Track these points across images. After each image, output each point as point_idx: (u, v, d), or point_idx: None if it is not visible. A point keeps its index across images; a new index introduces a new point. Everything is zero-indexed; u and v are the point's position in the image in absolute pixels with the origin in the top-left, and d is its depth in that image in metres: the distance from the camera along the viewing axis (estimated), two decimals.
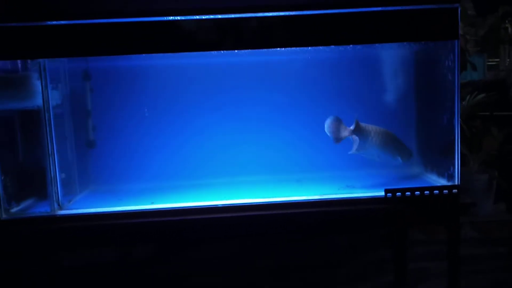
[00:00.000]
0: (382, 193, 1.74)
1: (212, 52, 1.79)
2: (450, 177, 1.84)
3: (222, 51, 1.77)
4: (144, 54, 1.80)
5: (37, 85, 1.68)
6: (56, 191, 1.72)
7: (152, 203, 1.76)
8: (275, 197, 1.76)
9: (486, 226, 2.70)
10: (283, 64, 2.10)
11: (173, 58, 2.04)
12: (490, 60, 4.42)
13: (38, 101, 1.69)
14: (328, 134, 1.91)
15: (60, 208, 1.73)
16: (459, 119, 1.79)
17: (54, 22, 1.65)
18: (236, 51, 1.78)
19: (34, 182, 1.77)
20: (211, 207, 1.72)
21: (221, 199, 1.75)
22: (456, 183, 1.79)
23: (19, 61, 1.79)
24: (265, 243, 2.26)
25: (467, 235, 2.62)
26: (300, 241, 2.32)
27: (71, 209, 1.73)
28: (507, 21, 3.76)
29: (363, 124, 1.93)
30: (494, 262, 2.49)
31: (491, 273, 2.42)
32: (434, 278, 2.39)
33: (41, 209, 1.71)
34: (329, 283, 2.36)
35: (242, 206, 1.73)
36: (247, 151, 2.12)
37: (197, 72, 2.10)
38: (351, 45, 1.85)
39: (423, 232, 2.57)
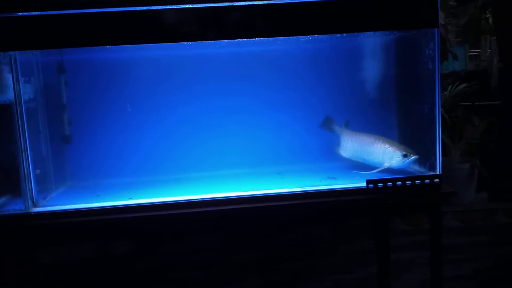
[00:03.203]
0: (364, 184, 1.72)
1: (191, 43, 1.75)
2: (432, 167, 1.83)
3: (200, 42, 1.74)
4: (121, 46, 1.74)
5: (8, 78, 1.62)
6: (30, 188, 1.67)
7: (131, 198, 1.72)
8: (256, 190, 1.73)
9: (468, 215, 2.72)
10: (262, 55, 2.06)
11: (151, 50, 2.00)
12: (472, 50, 4.45)
13: (10, 95, 1.63)
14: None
15: (35, 206, 1.68)
16: (439, 108, 1.78)
17: (26, 13, 1.59)
18: (215, 42, 1.74)
19: (7, 179, 1.72)
20: (191, 202, 1.69)
21: (201, 193, 1.71)
22: (438, 172, 1.78)
23: None
24: (247, 236, 2.24)
25: (449, 224, 2.64)
26: (282, 233, 2.31)
27: (46, 206, 1.68)
28: (487, 12, 3.77)
29: (341, 128, 2.00)
30: (476, 250, 2.51)
31: (472, 261, 2.44)
32: (417, 267, 2.40)
33: (15, 206, 1.66)
34: (312, 274, 2.35)
35: (222, 200, 1.70)
36: (227, 144, 2.08)
37: (176, 64, 2.06)
38: (328, 35, 1.84)
39: (406, 222, 2.57)
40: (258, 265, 2.26)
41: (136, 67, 2.04)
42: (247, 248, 2.24)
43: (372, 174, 1.89)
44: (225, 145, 2.08)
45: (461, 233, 2.60)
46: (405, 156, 1.87)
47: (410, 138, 2.06)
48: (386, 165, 1.90)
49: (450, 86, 3.12)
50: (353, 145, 1.97)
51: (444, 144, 2.83)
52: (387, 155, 1.90)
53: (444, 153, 3.08)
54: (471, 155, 2.95)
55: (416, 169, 1.95)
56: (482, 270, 2.38)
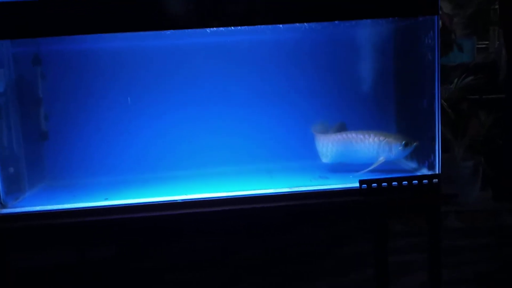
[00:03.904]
0: (357, 184, 1.60)
1: (176, 32, 1.63)
2: (431, 165, 1.70)
3: (184, 32, 1.63)
4: (102, 35, 1.63)
5: None
6: None
7: (106, 199, 1.61)
8: (241, 190, 1.62)
9: (471, 215, 2.59)
10: (250, 45, 1.94)
11: (133, 40, 1.88)
12: (480, 42, 4.31)
13: None
14: None
15: (4, 207, 1.57)
16: (439, 102, 1.65)
17: None
18: (199, 31, 1.62)
19: None
20: (169, 203, 1.57)
21: (184, 194, 1.60)
22: (437, 172, 1.66)
23: None
24: (235, 238, 2.13)
25: (451, 225, 2.51)
26: (273, 234, 2.20)
27: (16, 207, 1.57)
28: (496, 2, 3.63)
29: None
30: (479, 253, 2.38)
31: (476, 264, 2.31)
32: (417, 270, 2.29)
33: None
34: (306, 277, 2.24)
35: (204, 201, 1.58)
36: (214, 140, 1.96)
37: (159, 55, 1.94)
38: (321, 25, 1.72)
39: (404, 223, 2.45)
40: (249, 268, 2.16)
41: (118, 59, 1.92)
42: (237, 250, 2.13)
43: (366, 174, 1.76)
44: (211, 141, 1.96)
45: (464, 235, 2.48)
46: (406, 145, 1.75)
47: (407, 134, 1.93)
48: (382, 159, 1.77)
49: (457, 79, 2.98)
50: (336, 147, 1.83)
51: (447, 141, 2.70)
52: (384, 148, 1.77)
53: (447, 150, 2.95)
54: (475, 152, 2.82)
55: (414, 167, 1.83)
56: (485, 273, 2.26)
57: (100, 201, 1.59)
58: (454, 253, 2.36)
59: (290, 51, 1.98)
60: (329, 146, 1.83)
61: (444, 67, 3.11)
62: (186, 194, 1.59)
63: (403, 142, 1.74)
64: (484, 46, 4.32)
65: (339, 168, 1.85)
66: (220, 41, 1.92)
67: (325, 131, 1.88)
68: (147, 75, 1.92)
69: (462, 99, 2.99)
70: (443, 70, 2.67)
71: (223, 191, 1.61)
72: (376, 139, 1.77)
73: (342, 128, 1.87)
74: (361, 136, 1.79)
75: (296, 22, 1.63)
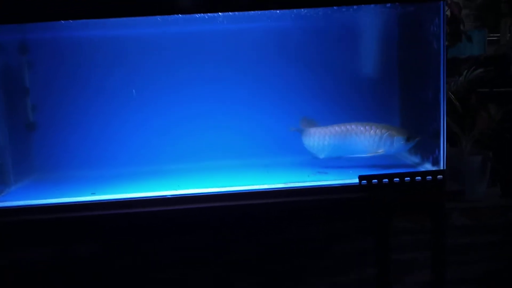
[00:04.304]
0: (356, 180, 1.51)
1: (170, 20, 1.60)
2: (435, 161, 1.61)
3: (181, 19, 1.58)
4: (92, 22, 1.59)
5: None
6: None
7: (93, 193, 1.53)
8: (236, 186, 1.54)
9: (478, 212, 2.50)
10: (246, 34, 1.85)
11: (126, 28, 1.80)
12: (491, 35, 4.20)
13: None
14: None
15: None
16: (445, 93, 1.55)
17: None
18: (194, 21, 1.54)
19: None
20: (161, 198, 1.50)
21: (174, 189, 1.52)
22: (442, 168, 1.57)
23: None
24: (229, 236, 2.05)
25: (457, 222, 2.42)
26: (267, 233, 2.12)
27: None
28: None
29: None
30: (486, 251, 2.29)
31: (482, 263, 2.22)
32: (421, 269, 2.20)
33: None
34: (304, 276, 2.16)
35: (195, 197, 1.51)
36: (209, 134, 1.89)
37: (153, 44, 1.86)
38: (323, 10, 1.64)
39: (407, 220, 2.36)
40: (243, 267, 2.08)
41: (109, 48, 1.84)
42: (231, 248, 2.06)
43: (366, 169, 1.68)
44: (206, 135, 1.89)
45: (470, 232, 2.38)
46: (408, 139, 1.67)
47: (411, 127, 1.84)
48: (381, 151, 1.68)
49: (466, 71, 2.87)
50: (334, 141, 1.74)
51: (454, 134, 2.59)
52: (386, 142, 1.68)
53: (454, 144, 2.85)
54: (484, 147, 2.71)
55: (416, 162, 1.75)
56: (492, 272, 2.16)
57: (87, 195, 1.51)
58: (460, 251, 2.26)
59: (288, 41, 1.88)
60: (326, 139, 1.74)
61: (453, 59, 3.00)
62: (176, 189, 1.52)
63: (406, 136, 1.65)
64: (495, 38, 4.21)
65: (336, 162, 1.77)
66: (215, 32, 1.84)
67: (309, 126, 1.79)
68: (138, 66, 1.84)
69: (470, 92, 2.88)
70: (452, 62, 2.56)
71: (216, 186, 1.53)
72: (378, 131, 1.68)
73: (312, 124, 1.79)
74: (362, 128, 1.70)
75: (300, 7, 1.54)
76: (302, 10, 1.67)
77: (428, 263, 2.01)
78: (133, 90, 1.85)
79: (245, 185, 1.54)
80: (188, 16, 1.58)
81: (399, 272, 2.15)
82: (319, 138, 1.75)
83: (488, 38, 4.02)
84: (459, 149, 2.72)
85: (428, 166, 1.68)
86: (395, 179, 1.52)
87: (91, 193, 1.53)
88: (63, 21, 1.61)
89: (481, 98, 2.87)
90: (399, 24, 1.90)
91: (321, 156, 1.76)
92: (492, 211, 2.49)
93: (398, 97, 1.98)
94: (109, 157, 1.85)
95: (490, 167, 2.65)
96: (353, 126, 1.71)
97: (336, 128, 1.73)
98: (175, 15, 1.55)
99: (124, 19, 1.51)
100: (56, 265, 1.75)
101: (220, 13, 1.59)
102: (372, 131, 1.68)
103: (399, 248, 2.27)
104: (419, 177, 1.53)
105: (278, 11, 1.66)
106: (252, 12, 1.58)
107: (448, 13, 2.27)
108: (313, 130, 1.78)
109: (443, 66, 1.53)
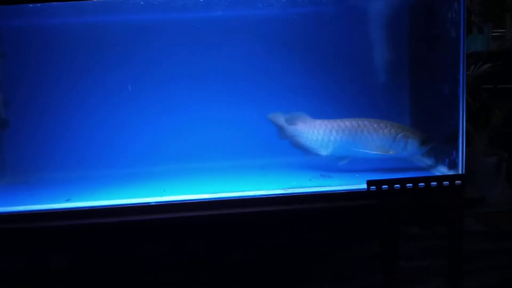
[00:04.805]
0: (364, 186, 1.34)
1: (156, 5, 1.50)
2: (453, 164, 1.44)
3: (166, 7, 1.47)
4: (69, 5, 1.47)
5: None
6: None
7: (68, 200, 1.37)
8: (229, 191, 1.36)
9: (493, 216, 2.34)
10: (242, 22, 1.69)
11: (108, 14, 1.64)
12: (495, 31, 4.08)
13: None
14: None
15: None
16: (464, 89, 1.38)
17: None
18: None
19: None
20: (144, 206, 1.33)
21: (159, 195, 1.36)
22: (460, 172, 1.40)
23: None
24: (222, 247, 1.89)
25: (471, 227, 2.26)
26: (265, 239, 1.97)
27: None
28: None
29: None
30: (502, 258, 2.12)
31: (499, 270, 2.06)
32: (431, 277, 2.04)
33: None
34: (306, 282, 2.00)
35: (183, 204, 1.34)
36: (201, 132, 1.73)
37: (139, 33, 1.69)
38: None
39: (418, 226, 2.21)
40: (241, 273, 1.93)
41: (89, 37, 1.68)
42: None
43: (375, 173, 1.51)
44: (197, 133, 1.73)
45: (485, 238, 2.23)
46: (423, 143, 1.52)
47: (424, 125, 1.67)
48: (391, 152, 1.52)
49: (473, 66, 2.72)
50: (342, 136, 1.56)
51: (466, 133, 2.42)
52: (399, 143, 1.52)
53: (466, 144, 2.69)
54: (498, 146, 2.56)
55: (429, 164, 1.58)
56: (509, 280, 2.00)
57: (61, 202, 1.34)
58: (474, 258, 2.10)
59: (290, 30, 1.72)
60: (332, 134, 1.55)
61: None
62: (162, 196, 1.35)
63: (421, 140, 1.51)
64: (498, 34, 4.09)
65: (336, 163, 1.59)
66: (205, 18, 1.67)
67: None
68: (121, 59, 1.67)
69: (477, 88, 2.73)
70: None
71: (206, 192, 1.36)
72: (392, 131, 1.51)
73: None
74: (376, 126, 1.52)
75: None
76: None
77: (438, 271, 1.87)
78: (129, 86, 1.69)
79: (239, 191, 1.36)
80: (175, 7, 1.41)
81: (409, 281, 1.99)
82: (325, 132, 1.56)
83: (492, 34, 3.89)
84: (471, 149, 2.57)
85: (442, 169, 1.51)
86: (408, 184, 1.35)
87: (66, 200, 1.36)
88: (38, 5, 1.46)
89: (492, 94, 2.73)
90: (410, 13, 1.73)
91: (324, 153, 1.58)
92: (508, 215, 2.35)
93: (408, 92, 1.81)
94: (88, 158, 1.69)
95: (505, 168, 2.50)
96: (365, 123, 1.53)
97: (346, 123, 1.54)
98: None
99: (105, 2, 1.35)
100: (26, 276, 1.59)
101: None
102: (386, 129, 1.51)
103: (408, 256, 2.12)
104: (435, 182, 1.36)
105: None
106: None
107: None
108: (318, 123, 1.59)
109: (463, 57, 1.36)
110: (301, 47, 1.72)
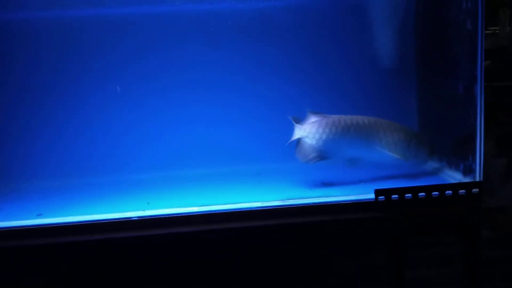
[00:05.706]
0: (372, 196, 1.20)
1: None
2: (468, 170, 1.31)
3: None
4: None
5: None
6: None
7: (40, 215, 1.22)
8: (219, 204, 1.22)
9: (503, 222, 2.21)
10: (239, 17, 1.55)
11: (102, 7, 1.50)
12: (489, 28, 3.99)
13: None
14: None
15: None
16: (482, 87, 1.25)
17: None
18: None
19: None
20: (125, 221, 1.18)
21: (141, 209, 1.20)
22: (478, 179, 1.27)
23: None
24: (215, 265, 1.75)
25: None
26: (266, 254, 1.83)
27: None
28: None
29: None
30: None
31: (508, 280, 1.93)
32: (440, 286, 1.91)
33: None
34: None
35: (171, 218, 1.19)
36: (192, 136, 1.59)
37: (131, 27, 1.55)
38: None
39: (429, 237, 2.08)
40: (240, 280, 1.80)
41: (76, 30, 1.54)
42: (226, 259, 1.76)
43: (383, 182, 1.37)
44: (186, 137, 1.58)
45: (496, 245, 2.11)
46: (432, 153, 1.44)
47: (435, 128, 1.54)
48: (398, 156, 1.39)
49: None
50: (344, 136, 1.37)
51: None
52: (411, 151, 1.39)
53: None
54: (508, 147, 2.44)
55: (436, 167, 1.46)
56: None
57: (31, 218, 1.19)
58: (485, 266, 1.98)
59: (292, 25, 1.59)
60: (337, 133, 1.36)
61: None
62: (145, 210, 1.20)
63: (431, 150, 1.43)
64: (491, 32, 4.01)
65: (336, 167, 1.44)
66: (199, 11, 1.53)
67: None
68: (124, 54, 1.54)
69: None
70: None
71: (195, 205, 1.21)
72: (408, 137, 1.38)
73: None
74: (385, 126, 1.38)
75: None
76: None
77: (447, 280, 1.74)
78: (117, 87, 1.55)
79: (232, 203, 1.22)
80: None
81: None
82: (330, 130, 1.36)
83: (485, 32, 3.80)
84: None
85: (455, 175, 1.38)
86: (420, 193, 1.21)
87: (37, 215, 1.22)
88: None
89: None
90: (417, 1, 1.60)
91: (328, 154, 1.40)
92: None
93: (416, 90, 1.68)
94: (65, 165, 1.53)
95: None
96: (382, 122, 1.38)
97: (359, 121, 1.37)
98: None
99: None
100: None
101: None
102: (402, 134, 1.37)
103: (413, 263, 2.00)
104: (450, 191, 1.22)
105: None
106: None
107: None
108: (325, 121, 1.37)
109: (481, 50, 1.23)
110: (303, 42, 1.59)
